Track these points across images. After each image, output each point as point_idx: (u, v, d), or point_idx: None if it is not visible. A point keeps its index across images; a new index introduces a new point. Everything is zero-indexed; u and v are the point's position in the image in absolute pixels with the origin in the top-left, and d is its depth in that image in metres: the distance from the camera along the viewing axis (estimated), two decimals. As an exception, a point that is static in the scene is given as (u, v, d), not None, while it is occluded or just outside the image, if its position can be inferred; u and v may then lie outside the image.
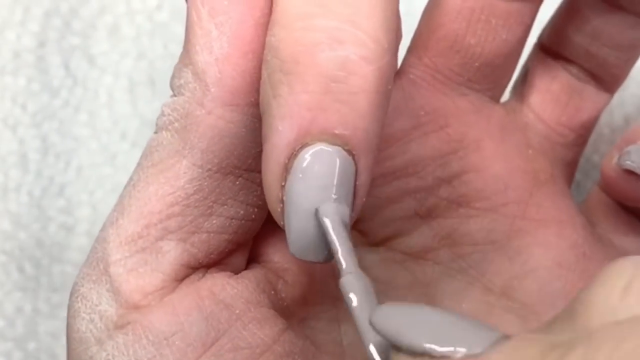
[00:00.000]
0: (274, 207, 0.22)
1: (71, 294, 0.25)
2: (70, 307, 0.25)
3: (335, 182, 0.21)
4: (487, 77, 0.28)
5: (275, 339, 0.24)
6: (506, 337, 0.19)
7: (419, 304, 0.20)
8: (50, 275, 0.37)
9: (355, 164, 0.22)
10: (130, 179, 0.25)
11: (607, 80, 0.30)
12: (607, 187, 0.29)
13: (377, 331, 0.19)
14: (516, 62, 0.29)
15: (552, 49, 0.30)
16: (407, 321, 0.19)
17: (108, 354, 0.24)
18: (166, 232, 0.24)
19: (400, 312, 0.19)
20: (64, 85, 0.38)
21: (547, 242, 0.29)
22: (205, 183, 0.24)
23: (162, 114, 0.24)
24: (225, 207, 0.24)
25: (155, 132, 0.25)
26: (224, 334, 0.24)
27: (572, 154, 0.30)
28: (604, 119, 0.35)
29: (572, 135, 0.30)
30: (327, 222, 0.21)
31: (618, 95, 0.37)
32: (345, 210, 0.22)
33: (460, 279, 0.28)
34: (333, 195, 0.21)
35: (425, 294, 0.28)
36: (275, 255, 0.26)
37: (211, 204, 0.24)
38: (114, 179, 0.37)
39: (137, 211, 0.24)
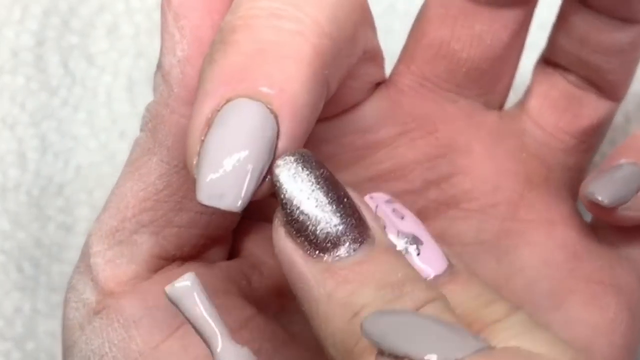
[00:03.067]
0: (190, 160, 0.22)
1: (67, 287, 0.27)
2: (64, 299, 0.26)
3: (253, 131, 0.21)
4: (477, 82, 0.29)
5: (242, 325, 0.25)
6: (490, 349, 0.19)
7: (409, 311, 0.20)
8: (49, 275, 0.37)
9: (278, 126, 0.22)
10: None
11: (606, 88, 0.30)
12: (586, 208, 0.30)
13: (365, 335, 0.19)
14: (511, 69, 0.30)
15: (550, 58, 0.30)
16: (394, 327, 0.19)
17: (87, 337, 0.25)
18: (140, 226, 0.25)
19: (388, 318, 0.20)
20: (62, 84, 0.38)
21: (535, 241, 0.29)
22: (174, 179, 0.25)
23: (143, 115, 0.26)
24: (194, 202, 0.24)
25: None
26: None
27: (574, 159, 0.30)
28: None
29: (573, 141, 0.30)
30: (186, 300, 0.22)
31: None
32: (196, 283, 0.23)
33: None
34: (249, 144, 0.21)
35: None
36: (255, 249, 0.27)
37: (180, 199, 0.25)
38: (112, 178, 0.37)
39: (115, 207, 0.26)
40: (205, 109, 0.22)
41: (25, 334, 0.36)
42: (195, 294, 0.22)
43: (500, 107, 0.30)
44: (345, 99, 0.27)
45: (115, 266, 0.25)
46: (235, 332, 0.25)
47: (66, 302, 0.26)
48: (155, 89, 0.25)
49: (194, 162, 0.22)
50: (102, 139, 0.38)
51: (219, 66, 0.22)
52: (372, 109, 0.28)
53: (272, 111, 0.22)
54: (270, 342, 0.25)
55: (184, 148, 0.24)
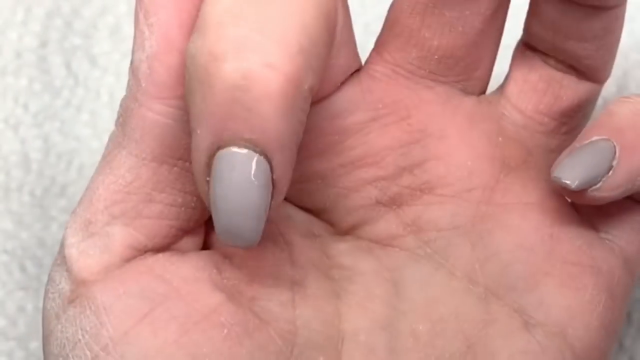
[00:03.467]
0: (204, 199, 0.24)
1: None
2: (44, 290, 0.27)
3: (250, 181, 0.24)
4: (452, 69, 0.29)
5: (212, 310, 0.26)
6: None
7: None
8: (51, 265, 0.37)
9: (269, 162, 0.23)
10: None
11: (585, 71, 0.30)
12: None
13: None
14: (489, 55, 0.29)
15: (528, 43, 0.30)
16: None
17: (62, 326, 0.26)
18: (112, 218, 0.26)
19: None
20: (65, 85, 0.38)
21: (510, 225, 0.29)
22: (142, 171, 0.26)
23: (117, 111, 0.26)
24: (164, 194, 0.26)
25: None
26: (160, 304, 0.25)
27: (556, 141, 0.30)
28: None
29: (553, 123, 0.30)
30: None
31: (617, 95, 0.37)
32: None
33: (425, 264, 0.29)
34: (251, 194, 0.24)
35: (390, 280, 0.29)
36: None
37: (149, 191, 0.26)
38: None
39: (88, 200, 0.26)
40: (202, 156, 0.24)
41: (28, 334, 0.36)
42: None
43: (481, 92, 0.30)
44: (320, 90, 0.27)
45: (89, 257, 0.26)
46: (204, 316, 0.26)
47: (45, 293, 0.27)
48: (127, 84, 0.26)
49: (208, 202, 0.24)
50: (104, 140, 0.38)
51: (201, 112, 0.23)
52: (342, 96, 0.28)
53: (261, 152, 0.23)
54: (240, 327, 0.26)
55: (151, 141, 0.26)
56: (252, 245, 0.24)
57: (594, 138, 0.27)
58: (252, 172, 0.23)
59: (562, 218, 0.29)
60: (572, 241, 0.29)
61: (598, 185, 0.27)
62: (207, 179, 0.24)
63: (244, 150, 0.23)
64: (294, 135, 0.24)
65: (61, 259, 0.26)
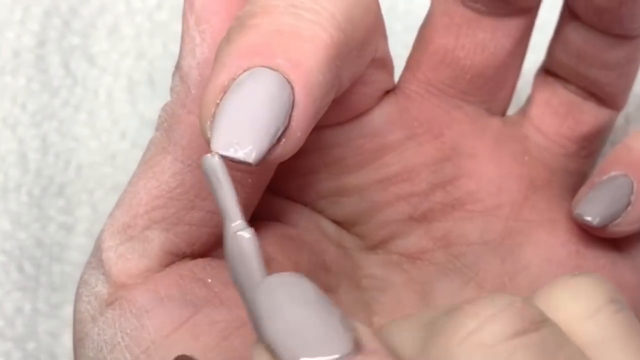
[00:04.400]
0: (203, 122, 0.23)
1: (78, 283, 0.27)
2: (76, 293, 0.27)
3: (269, 96, 0.22)
4: (480, 89, 0.30)
5: None
6: (357, 349, 0.19)
7: (300, 279, 0.20)
8: (49, 275, 0.37)
9: (293, 96, 0.22)
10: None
11: (605, 98, 0.30)
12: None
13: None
14: (513, 75, 0.30)
15: (550, 69, 0.31)
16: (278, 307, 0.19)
17: (99, 329, 0.26)
18: (152, 222, 0.26)
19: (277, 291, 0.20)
20: (63, 84, 0.38)
21: (538, 240, 0.30)
22: (187, 177, 0.26)
23: (159, 115, 0.26)
24: (207, 201, 0.26)
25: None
26: (201, 309, 0.25)
27: (575, 164, 0.31)
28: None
29: (574, 147, 0.30)
30: (213, 172, 0.22)
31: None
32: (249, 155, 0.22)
33: (454, 278, 0.29)
34: (266, 107, 0.22)
35: (420, 292, 0.29)
36: (265, 247, 0.28)
37: (193, 197, 0.26)
38: (113, 179, 0.37)
39: (128, 203, 0.26)
40: (221, 77, 0.22)
41: (25, 334, 0.36)
42: (219, 171, 0.22)
43: (503, 113, 0.31)
44: (356, 105, 0.28)
45: (127, 260, 0.26)
46: (244, 323, 0.25)
47: (78, 296, 0.27)
48: (172, 90, 0.26)
49: (208, 124, 0.22)
50: (103, 140, 0.38)
51: (236, 43, 0.23)
52: (380, 114, 0.29)
53: (288, 81, 0.22)
54: None
55: (199, 148, 0.25)
56: (250, 159, 0.22)
57: (613, 173, 0.28)
58: (274, 91, 0.22)
59: (586, 236, 0.30)
60: (597, 259, 0.29)
61: (618, 221, 0.28)
62: (218, 101, 0.22)
63: (273, 72, 0.22)
64: (322, 89, 0.23)
65: (97, 262, 0.26)
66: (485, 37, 0.29)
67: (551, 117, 0.30)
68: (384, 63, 0.28)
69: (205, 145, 0.24)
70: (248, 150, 0.22)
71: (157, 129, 0.26)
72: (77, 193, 0.37)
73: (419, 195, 0.29)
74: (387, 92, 0.29)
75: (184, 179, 0.26)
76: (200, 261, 0.26)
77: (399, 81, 0.30)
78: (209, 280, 0.26)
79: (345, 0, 0.24)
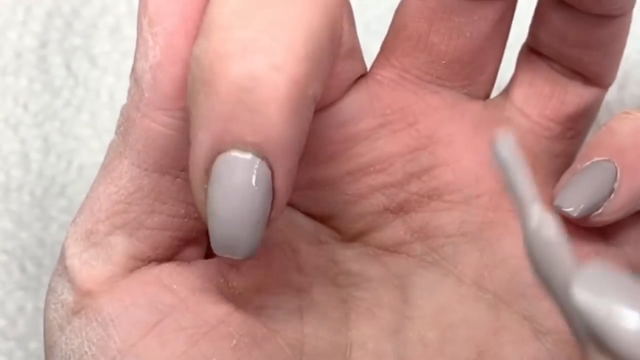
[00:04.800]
0: (200, 208, 0.24)
1: (47, 289, 0.27)
2: (45, 301, 0.27)
3: (251, 187, 0.23)
4: (458, 74, 0.29)
5: (220, 320, 0.25)
6: None
7: (611, 266, 0.19)
8: (51, 275, 0.37)
9: (271, 169, 0.23)
10: None
11: (591, 77, 0.29)
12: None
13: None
14: (495, 59, 0.29)
15: (533, 48, 0.30)
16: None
17: (67, 338, 0.25)
18: (114, 228, 0.26)
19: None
20: (65, 85, 0.38)
21: (518, 231, 0.28)
22: (145, 182, 0.25)
23: (118, 119, 0.26)
24: (166, 205, 0.26)
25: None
26: (168, 315, 0.25)
27: (561, 146, 0.30)
28: (603, 119, 0.35)
29: (559, 128, 0.30)
30: (507, 152, 0.20)
31: (618, 95, 0.37)
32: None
33: (433, 271, 0.29)
34: (250, 200, 0.23)
35: (398, 286, 0.29)
36: None
37: (152, 201, 0.26)
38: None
39: (89, 209, 0.26)
40: (200, 162, 0.23)
41: (27, 334, 0.36)
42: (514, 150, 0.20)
43: (486, 97, 0.30)
44: (325, 96, 0.27)
45: (91, 267, 0.26)
46: (212, 327, 0.25)
47: (46, 304, 0.26)
48: (128, 92, 0.26)
49: (204, 212, 0.23)
50: (104, 140, 0.38)
51: (203, 114, 0.23)
52: (350, 102, 0.28)
53: (263, 157, 0.23)
54: (249, 337, 0.25)
55: (154, 152, 0.25)
56: (249, 257, 0.23)
57: (595, 159, 0.27)
58: (254, 178, 0.23)
59: (569, 225, 0.28)
60: (580, 248, 0.29)
61: (600, 211, 0.27)
62: (205, 186, 0.23)
63: (246, 155, 0.23)
64: (297, 143, 0.23)
65: (62, 269, 0.26)
66: (461, 22, 0.28)
67: (535, 98, 0.29)
68: (352, 51, 0.27)
69: (161, 149, 0.25)
70: (244, 251, 0.23)
71: (115, 132, 0.26)
72: (79, 193, 0.37)
73: (394, 186, 0.28)
74: (358, 79, 0.28)
75: (141, 183, 0.25)
76: (165, 267, 0.26)
77: (372, 67, 0.29)
78: (175, 287, 0.26)
79: (305, 21, 0.23)
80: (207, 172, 0.23)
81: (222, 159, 0.23)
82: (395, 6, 0.28)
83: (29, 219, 0.37)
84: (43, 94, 0.38)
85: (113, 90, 0.38)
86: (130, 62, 0.38)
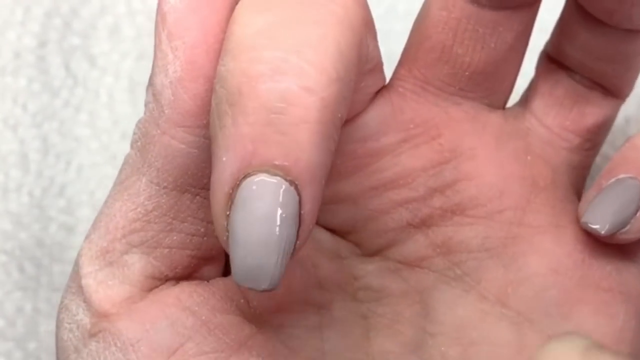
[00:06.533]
0: (220, 235, 0.22)
1: (58, 306, 0.26)
2: (57, 319, 0.26)
3: (278, 212, 0.21)
4: (480, 85, 0.28)
5: (242, 343, 0.25)
6: None
7: None
8: (50, 275, 0.37)
9: (299, 194, 0.22)
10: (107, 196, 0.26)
11: (612, 89, 0.29)
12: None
13: None
14: (515, 68, 0.29)
15: (554, 57, 0.29)
16: None
17: None
18: (130, 247, 0.25)
19: None
20: (64, 85, 0.38)
21: (543, 248, 0.28)
22: (163, 200, 0.25)
23: (134, 132, 0.25)
24: (185, 224, 0.25)
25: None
26: (189, 339, 0.25)
27: (579, 157, 0.30)
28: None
29: (578, 140, 0.29)
30: None
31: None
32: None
33: (455, 286, 0.28)
34: (276, 226, 0.21)
35: (419, 302, 0.28)
36: None
37: (170, 220, 0.25)
38: (114, 179, 0.37)
39: (105, 227, 0.25)
40: (224, 186, 0.22)
41: (26, 334, 0.36)
42: None
43: (504, 105, 0.30)
44: (349, 111, 0.27)
45: (108, 287, 0.25)
46: (235, 351, 0.25)
47: (59, 322, 0.26)
48: (145, 105, 0.25)
49: (225, 238, 0.22)
50: (103, 140, 0.38)
51: (230, 136, 0.22)
52: (373, 117, 0.27)
53: (291, 182, 0.22)
54: (271, 358, 0.25)
55: (174, 170, 0.24)
56: (272, 289, 0.22)
57: (621, 176, 0.27)
58: (280, 202, 0.21)
59: (592, 243, 0.29)
60: (603, 266, 0.28)
61: (626, 228, 0.27)
62: (227, 213, 0.22)
63: (274, 179, 0.21)
64: (325, 167, 0.22)
65: (77, 288, 0.25)
66: (486, 32, 0.27)
67: (555, 109, 0.29)
68: (374, 64, 0.26)
69: (181, 167, 0.24)
70: (267, 283, 0.22)
71: (131, 147, 0.25)
72: (78, 193, 0.37)
73: (416, 201, 0.28)
74: (379, 91, 0.28)
75: (160, 201, 0.25)
76: (185, 287, 0.25)
77: (393, 78, 0.28)
78: (196, 309, 0.25)
79: (333, 42, 0.23)
80: (231, 196, 0.22)
81: (248, 182, 0.22)
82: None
83: (27, 219, 0.37)
84: (42, 94, 0.38)
85: (112, 91, 0.38)
86: (129, 63, 0.38)
